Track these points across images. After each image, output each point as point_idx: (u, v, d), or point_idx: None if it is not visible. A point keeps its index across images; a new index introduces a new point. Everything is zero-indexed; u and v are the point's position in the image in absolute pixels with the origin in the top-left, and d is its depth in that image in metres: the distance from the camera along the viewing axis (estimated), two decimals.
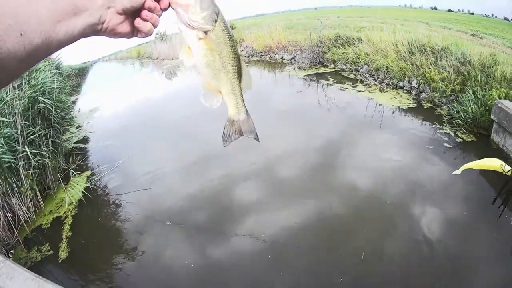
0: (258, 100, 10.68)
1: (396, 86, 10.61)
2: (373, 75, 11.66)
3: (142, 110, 13.78)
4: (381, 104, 9.70)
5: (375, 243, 4.69)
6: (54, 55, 13.88)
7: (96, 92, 20.20)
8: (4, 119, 5.91)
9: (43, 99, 7.10)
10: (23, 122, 6.31)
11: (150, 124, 11.44)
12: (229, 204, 6.15)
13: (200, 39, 0.88)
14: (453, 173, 1.69)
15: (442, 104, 8.78)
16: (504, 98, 7.00)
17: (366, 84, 11.38)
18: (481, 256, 4.34)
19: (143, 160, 8.53)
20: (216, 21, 0.87)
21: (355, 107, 9.96)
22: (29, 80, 7.35)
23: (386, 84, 10.83)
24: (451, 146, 7.11)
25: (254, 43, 18.97)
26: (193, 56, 0.92)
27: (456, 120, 7.75)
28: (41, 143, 6.90)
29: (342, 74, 12.99)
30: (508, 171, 1.41)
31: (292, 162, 7.18)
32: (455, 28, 15.51)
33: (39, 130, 6.84)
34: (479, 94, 7.60)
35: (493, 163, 1.59)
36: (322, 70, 13.95)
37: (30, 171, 6.18)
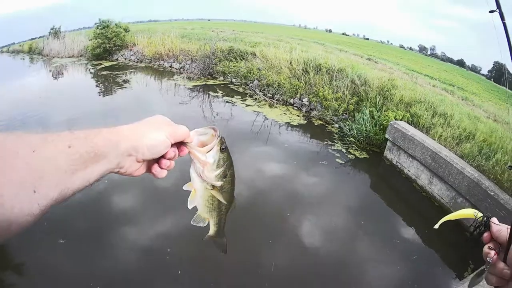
0: (140, 108, 10.14)
1: (287, 103, 10.22)
2: (263, 90, 11.14)
3: (24, 110, 11.45)
4: (269, 119, 9.17)
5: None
6: None
7: None
8: None
9: None
10: None
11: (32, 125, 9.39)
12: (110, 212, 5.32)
13: (206, 188, 0.95)
14: (434, 227, 1.20)
15: (333, 122, 8.61)
16: (401, 120, 7.14)
17: (256, 98, 10.76)
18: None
19: None
20: (226, 176, 0.93)
21: (242, 120, 9.27)
22: None
23: (276, 100, 10.36)
24: (343, 162, 6.90)
25: (145, 49, 17.74)
26: (195, 196, 0.97)
27: (348, 138, 7.58)
28: None
29: (231, 87, 12.35)
30: (480, 217, 0.69)
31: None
32: (351, 51, 16.03)
33: None
34: (375, 114, 7.56)
35: (467, 212, 0.90)
36: (211, 82, 13.20)
37: None
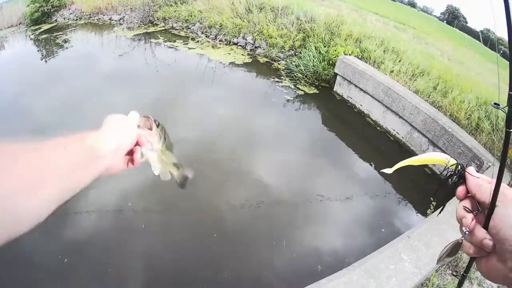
0: (84, 66, 9.82)
1: (230, 42, 9.77)
2: (206, 32, 10.60)
3: None
4: (213, 60, 8.74)
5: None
6: None
7: None
8: None
9: None
10: None
11: None
12: None
13: (159, 154, 1.06)
14: (383, 171, 0.85)
15: (279, 59, 8.30)
16: (350, 55, 6.93)
17: (198, 41, 10.21)
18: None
19: None
20: (166, 139, 1.08)
21: (185, 64, 8.89)
22: None
23: (220, 41, 9.89)
24: (291, 98, 6.72)
25: (83, 5, 16.44)
26: (155, 164, 1.07)
27: (295, 74, 7.38)
28: None
29: (172, 32, 11.69)
30: (452, 165, 0.78)
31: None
32: None
33: None
34: (322, 50, 7.30)
35: (436, 157, 0.80)
36: (151, 29, 12.46)
37: None
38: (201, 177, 4.54)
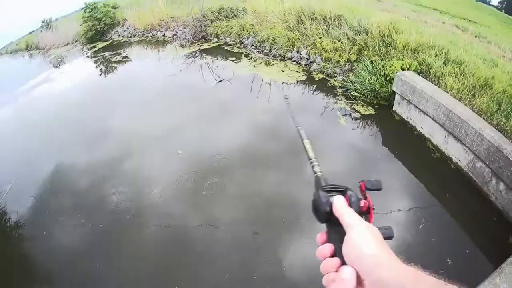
0: (141, 83, 10.47)
1: (284, 58, 9.53)
2: (259, 47, 10.51)
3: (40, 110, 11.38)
4: (265, 79, 8.64)
5: None
6: None
7: None
8: None
9: None
10: None
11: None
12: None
13: None
14: None
15: (335, 75, 7.91)
16: (408, 69, 6.36)
17: (251, 57, 10.11)
18: None
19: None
20: None
21: (239, 83, 8.83)
22: None
23: (273, 56, 9.71)
24: (345, 122, 6.41)
25: (136, 22, 17.16)
26: None
27: (352, 93, 6.94)
28: None
29: (225, 48, 11.68)
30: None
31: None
32: None
33: None
34: (378, 64, 6.83)
35: None
36: (205, 46, 12.53)
37: None
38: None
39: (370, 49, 7.29)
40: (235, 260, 4.26)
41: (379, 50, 7.10)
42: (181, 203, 5.47)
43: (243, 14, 11.96)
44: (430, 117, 5.57)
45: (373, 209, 0.79)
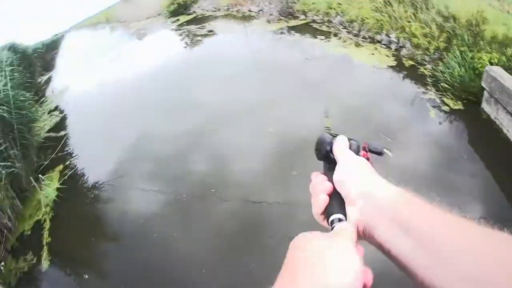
0: (229, 57, 11.10)
1: (374, 40, 9.77)
2: (348, 27, 10.81)
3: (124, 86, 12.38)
4: (355, 61, 9.11)
5: None
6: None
7: (69, 67, 17.90)
8: None
9: None
10: None
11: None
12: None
13: None
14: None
15: (425, 63, 8.00)
16: (496, 64, 6.18)
17: (340, 37, 10.52)
18: None
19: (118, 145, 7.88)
20: None
21: (328, 63, 9.30)
22: None
23: (363, 38, 10.04)
24: (434, 114, 6.52)
25: None
26: None
27: (441, 83, 7.04)
28: (8, 150, 6.71)
29: (313, 26, 11.98)
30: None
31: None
32: None
33: (1, 138, 6.70)
34: (467, 55, 6.80)
35: None
36: (293, 23, 12.88)
37: (2, 182, 6.10)
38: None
39: (459, 38, 7.31)
40: None
41: (468, 40, 7.10)
42: (268, 182, 5.60)
43: None
44: None
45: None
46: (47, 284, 5.02)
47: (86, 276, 4.85)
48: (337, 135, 0.82)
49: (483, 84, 6.25)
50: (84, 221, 5.94)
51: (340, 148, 0.76)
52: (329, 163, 0.78)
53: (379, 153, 0.83)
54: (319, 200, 0.71)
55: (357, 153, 0.78)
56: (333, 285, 0.51)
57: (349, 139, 0.80)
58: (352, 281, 0.52)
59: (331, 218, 0.67)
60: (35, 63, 17.27)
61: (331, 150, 0.78)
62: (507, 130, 5.70)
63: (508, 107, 5.54)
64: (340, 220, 0.66)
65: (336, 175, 0.72)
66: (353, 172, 0.69)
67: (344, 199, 0.68)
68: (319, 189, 0.73)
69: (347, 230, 0.61)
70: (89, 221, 5.89)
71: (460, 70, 6.76)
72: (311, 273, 0.52)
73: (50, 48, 22.65)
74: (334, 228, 0.63)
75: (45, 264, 5.19)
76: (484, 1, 8.04)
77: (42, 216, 6.18)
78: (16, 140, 7.13)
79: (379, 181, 0.67)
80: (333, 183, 0.72)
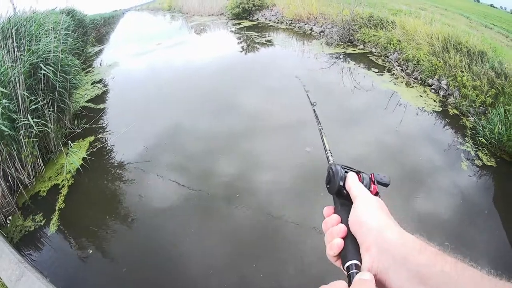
0: (284, 68, 11.35)
1: (425, 83, 9.84)
2: (402, 65, 10.95)
3: (170, 68, 13.25)
4: (403, 100, 9.11)
5: None
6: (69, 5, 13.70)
7: (122, 44, 19.35)
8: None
9: (43, 66, 6.84)
10: (23, 92, 6.08)
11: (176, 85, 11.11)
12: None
13: None
14: None
15: (469, 114, 8.03)
16: None
17: (393, 74, 10.68)
18: None
19: (154, 126, 8.26)
20: None
21: (376, 96, 9.43)
22: (29, 47, 7.08)
23: (414, 78, 10.13)
24: (466, 167, 6.49)
25: (284, 10, 18.10)
26: None
27: (480, 138, 7.05)
28: (45, 110, 6.78)
29: (370, 57, 12.20)
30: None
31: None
32: (496, 28, 14.27)
33: (42, 97, 6.72)
34: (510, 115, 6.82)
35: None
36: (350, 50, 13.15)
37: (31, 139, 6.12)
38: None
39: (506, 96, 7.34)
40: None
41: None
42: (293, 198, 5.57)
43: (391, 28, 12.34)
44: None
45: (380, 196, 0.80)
46: (49, 248, 5.02)
47: (90, 251, 4.88)
48: (350, 168, 0.85)
49: None
50: (101, 196, 5.99)
51: (355, 186, 0.78)
52: (341, 198, 0.80)
53: (385, 185, 0.85)
54: (334, 244, 0.72)
55: (369, 187, 0.80)
56: None
57: (359, 172, 0.84)
58: None
59: (347, 264, 0.69)
60: (90, 33, 18.12)
61: (343, 185, 0.80)
62: None
63: None
64: (356, 266, 0.67)
65: (352, 218, 0.73)
66: (370, 217, 0.70)
67: (359, 244, 0.70)
68: (334, 231, 0.74)
69: (368, 283, 0.62)
70: (106, 197, 5.95)
71: (501, 128, 6.78)
72: None
73: (107, 23, 23.47)
74: (354, 279, 0.64)
75: (52, 228, 5.32)
76: None
77: (62, 181, 6.35)
78: (54, 102, 7.25)
79: (394, 228, 0.68)
80: (347, 224, 0.74)
